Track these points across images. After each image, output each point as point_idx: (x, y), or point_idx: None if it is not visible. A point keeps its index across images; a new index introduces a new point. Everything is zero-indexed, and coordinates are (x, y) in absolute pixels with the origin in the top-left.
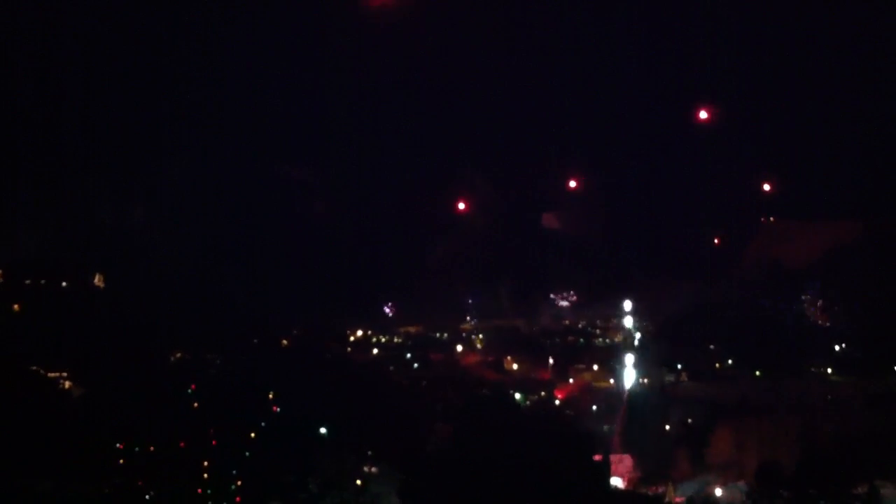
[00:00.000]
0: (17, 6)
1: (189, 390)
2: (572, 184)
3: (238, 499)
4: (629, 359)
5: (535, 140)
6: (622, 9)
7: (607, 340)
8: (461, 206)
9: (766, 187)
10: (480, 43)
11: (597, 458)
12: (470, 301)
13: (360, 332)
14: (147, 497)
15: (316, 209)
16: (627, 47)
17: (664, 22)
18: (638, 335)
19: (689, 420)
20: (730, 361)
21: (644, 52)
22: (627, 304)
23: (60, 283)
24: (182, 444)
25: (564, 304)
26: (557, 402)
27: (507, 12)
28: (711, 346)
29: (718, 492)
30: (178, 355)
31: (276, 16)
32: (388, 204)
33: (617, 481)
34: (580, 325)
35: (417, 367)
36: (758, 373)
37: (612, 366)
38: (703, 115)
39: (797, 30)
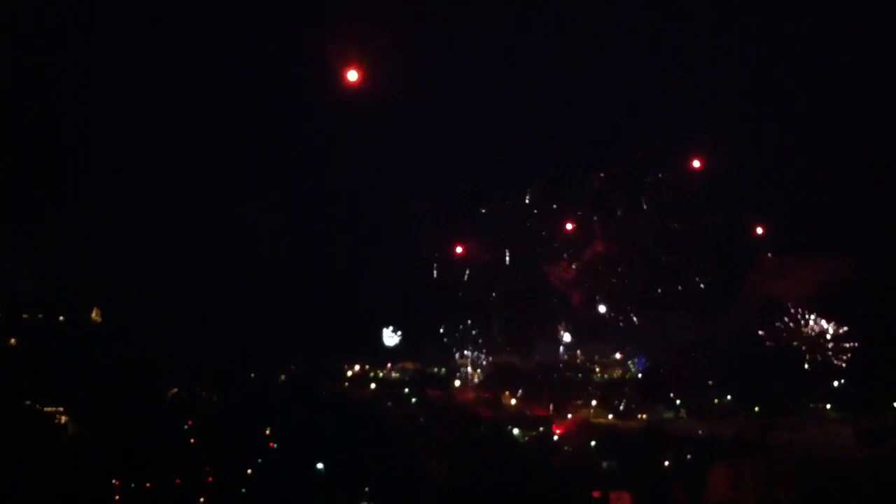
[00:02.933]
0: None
1: (185, 426)
2: (568, 226)
3: None
4: (628, 395)
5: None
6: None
7: (605, 376)
8: (458, 249)
9: (759, 230)
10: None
11: (595, 494)
12: (468, 336)
13: (357, 368)
14: None
15: (312, 244)
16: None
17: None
18: (636, 371)
19: (688, 457)
20: (728, 398)
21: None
22: (626, 340)
23: (57, 317)
24: (178, 481)
25: (562, 339)
26: (555, 438)
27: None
28: (710, 383)
29: None
30: (175, 391)
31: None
32: (386, 238)
33: None
34: (578, 361)
35: (415, 403)
36: (756, 409)
37: (610, 402)
38: (696, 164)
39: (789, 65)
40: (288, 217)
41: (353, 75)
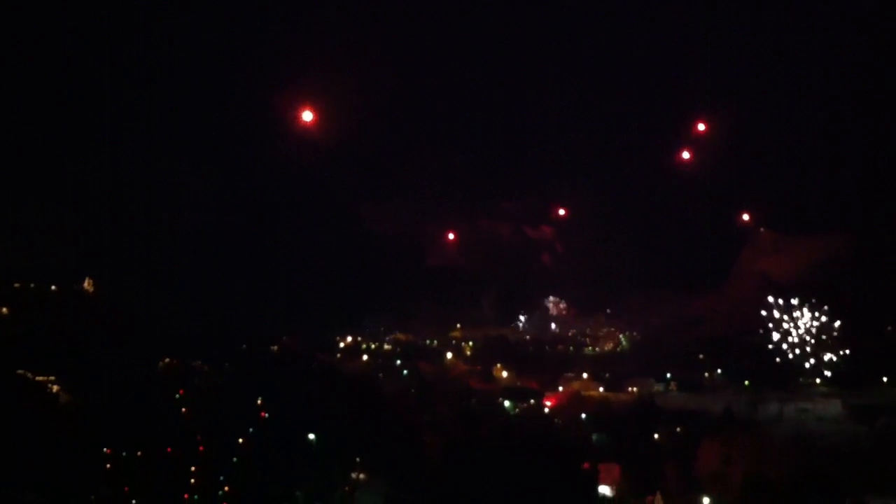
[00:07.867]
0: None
1: (177, 395)
2: (561, 211)
3: None
4: (619, 368)
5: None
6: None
7: (597, 349)
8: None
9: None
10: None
11: (585, 466)
12: (460, 310)
13: (349, 339)
14: (134, 503)
15: (308, 219)
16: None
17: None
18: (628, 345)
19: (678, 430)
20: (719, 372)
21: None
22: (618, 314)
23: (50, 287)
24: (169, 450)
25: (554, 313)
26: (546, 410)
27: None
28: (701, 357)
29: (706, 501)
30: (167, 361)
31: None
32: (378, 215)
33: (605, 490)
34: (570, 334)
35: (407, 375)
36: (747, 383)
37: (601, 375)
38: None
39: (789, 48)
40: (283, 192)
41: (307, 115)
